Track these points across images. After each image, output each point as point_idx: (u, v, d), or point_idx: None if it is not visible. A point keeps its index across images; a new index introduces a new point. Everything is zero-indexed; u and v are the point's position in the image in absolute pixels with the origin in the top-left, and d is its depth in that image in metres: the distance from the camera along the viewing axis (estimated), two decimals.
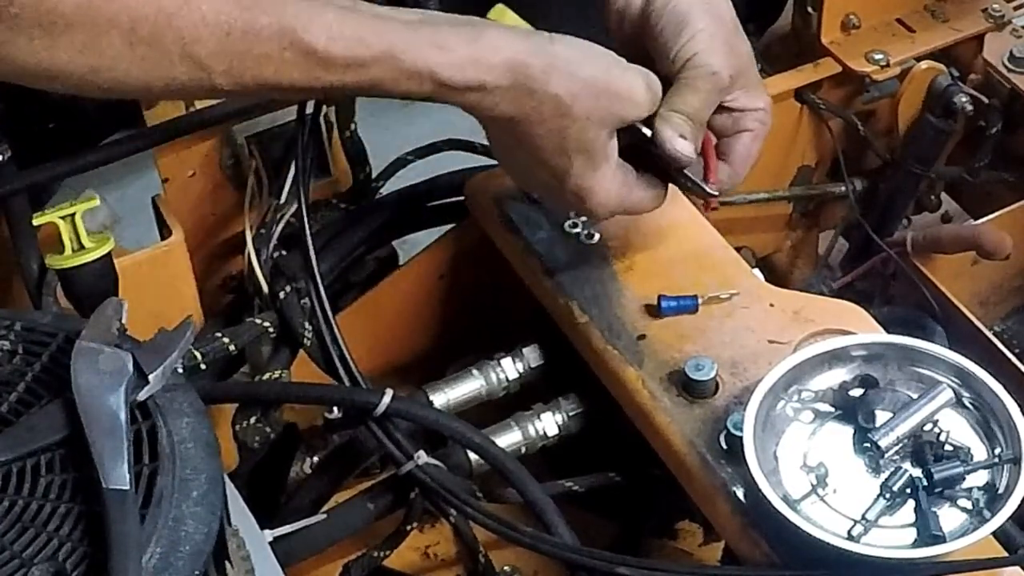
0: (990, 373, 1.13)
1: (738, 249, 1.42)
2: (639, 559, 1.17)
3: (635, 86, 1.15)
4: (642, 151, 1.18)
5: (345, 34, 1.05)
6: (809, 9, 1.69)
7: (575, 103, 1.11)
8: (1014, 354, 1.63)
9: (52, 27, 0.97)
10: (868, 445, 1.12)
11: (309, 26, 1.04)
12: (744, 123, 1.24)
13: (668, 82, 1.19)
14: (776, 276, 1.82)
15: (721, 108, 1.22)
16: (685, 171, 1.20)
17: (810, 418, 1.15)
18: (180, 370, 0.98)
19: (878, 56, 1.66)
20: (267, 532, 1.16)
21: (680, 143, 1.17)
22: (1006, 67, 1.76)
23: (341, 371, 1.30)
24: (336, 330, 1.31)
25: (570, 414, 1.34)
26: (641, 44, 1.22)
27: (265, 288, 1.39)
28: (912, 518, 1.09)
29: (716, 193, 1.22)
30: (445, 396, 1.34)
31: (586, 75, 1.12)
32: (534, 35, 1.13)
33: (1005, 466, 1.10)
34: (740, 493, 1.14)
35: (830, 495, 1.10)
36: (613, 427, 1.29)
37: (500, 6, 1.20)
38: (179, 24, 1.00)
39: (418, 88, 1.08)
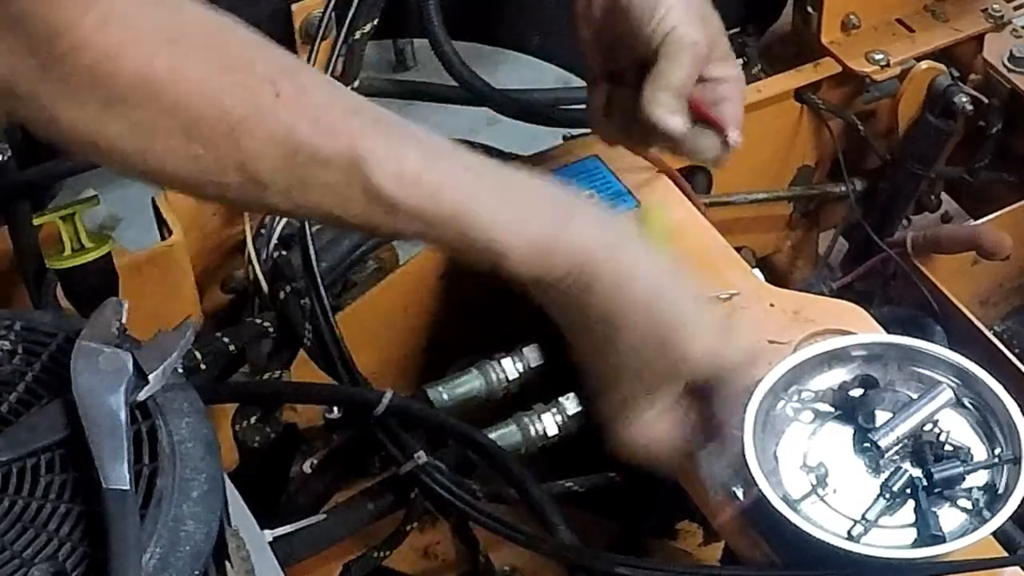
0: (990, 373, 1.13)
1: (738, 249, 1.42)
2: (639, 559, 1.17)
3: (704, 349, 1.05)
4: None
5: (419, 184, 0.97)
6: (809, 9, 1.69)
7: (627, 334, 1.04)
8: (1014, 354, 1.63)
9: (107, 97, 0.89)
10: (868, 445, 1.12)
11: (383, 164, 0.96)
12: (723, 91, 1.23)
13: (643, 61, 1.20)
14: (776, 276, 1.82)
15: (699, 79, 1.22)
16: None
17: (810, 418, 1.15)
18: (180, 370, 0.98)
19: (878, 56, 1.66)
20: (267, 532, 1.16)
21: (673, 120, 1.18)
22: (1006, 67, 1.76)
23: (341, 371, 1.30)
24: (336, 330, 1.31)
25: (570, 414, 1.34)
26: (611, 27, 1.21)
27: (265, 288, 1.39)
28: (912, 518, 1.09)
29: (735, 141, 1.23)
30: (445, 396, 1.34)
31: (653, 317, 1.04)
32: (622, 231, 1.05)
33: (1005, 466, 1.10)
34: (740, 493, 1.14)
35: (830, 495, 1.10)
36: None
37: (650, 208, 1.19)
38: (242, 135, 0.92)
39: (484, 262, 1.01)
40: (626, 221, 1.08)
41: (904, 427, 1.12)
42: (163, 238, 1.43)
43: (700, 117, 1.22)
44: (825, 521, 1.08)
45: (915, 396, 1.14)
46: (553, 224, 1.01)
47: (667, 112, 1.17)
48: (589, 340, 1.08)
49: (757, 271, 1.34)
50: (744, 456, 1.08)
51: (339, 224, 1.02)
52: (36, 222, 1.30)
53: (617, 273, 1.02)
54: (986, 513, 1.08)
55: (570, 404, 1.34)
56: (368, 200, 0.96)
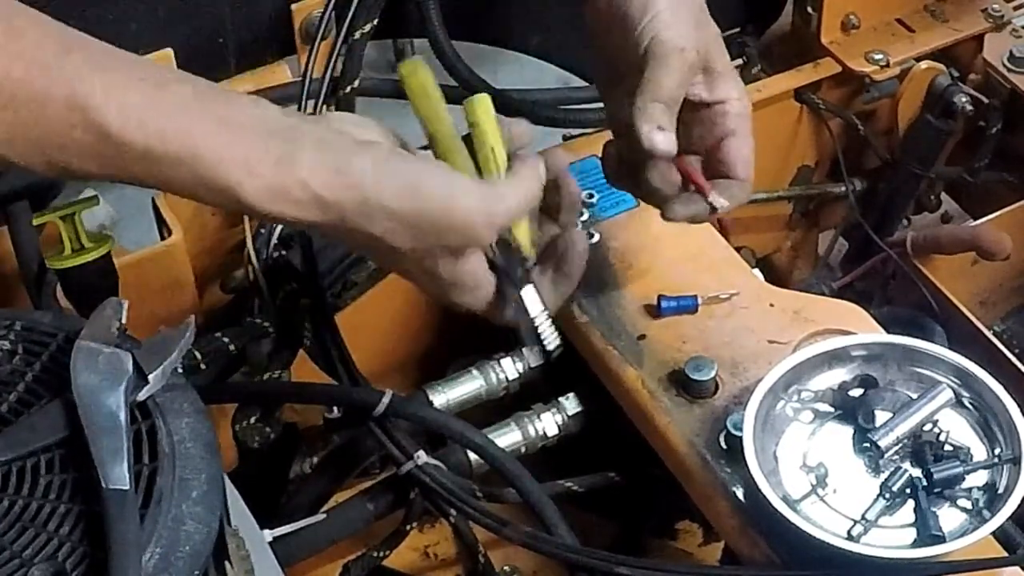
0: (990, 373, 1.13)
1: (738, 249, 1.42)
2: (639, 559, 1.17)
3: (468, 215, 1.00)
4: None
5: (144, 122, 0.93)
6: (809, 9, 1.69)
7: (397, 240, 0.99)
8: (1014, 354, 1.63)
9: None
10: (868, 445, 1.12)
11: (105, 103, 0.92)
12: (725, 125, 1.16)
13: (635, 69, 1.14)
14: (776, 276, 1.82)
15: (694, 109, 1.15)
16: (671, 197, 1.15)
17: (810, 418, 1.15)
18: (180, 370, 0.98)
19: (878, 56, 1.66)
20: (267, 532, 1.16)
21: (658, 137, 1.10)
22: (1006, 67, 1.76)
23: (341, 371, 1.30)
24: (336, 330, 1.31)
25: (570, 414, 1.34)
26: (609, 36, 1.16)
27: (265, 288, 1.39)
28: (912, 518, 1.09)
29: (720, 207, 1.16)
30: (445, 396, 1.34)
31: (406, 211, 0.98)
32: (350, 160, 0.98)
33: (1005, 466, 1.10)
34: (740, 493, 1.14)
35: (830, 495, 1.10)
36: (613, 427, 1.29)
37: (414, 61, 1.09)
38: None
39: (224, 203, 0.96)
40: (348, 140, 0.99)
41: (904, 427, 1.12)
42: (163, 238, 1.43)
43: (685, 178, 1.15)
44: (825, 521, 1.08)
45: (915, 396, 1.14)
46: (280, 161, 0.96)
47: (652, 127, 1.10)
48: (376, 256, 1.05)
49: (757, 271, 1.34)
50: (744, 453, 1.08)
51: (89, 176, 0.96)
52: (36, 222, 1.30)
53: (365, 204, 0.98)
54: (986, 513, 1.08)
55: (570, 404, 1.35)
56: (97, 141, 0.92)
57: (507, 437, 1.33)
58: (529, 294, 1.09)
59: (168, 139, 0.93)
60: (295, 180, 0.96)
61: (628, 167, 1.17)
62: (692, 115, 1.16)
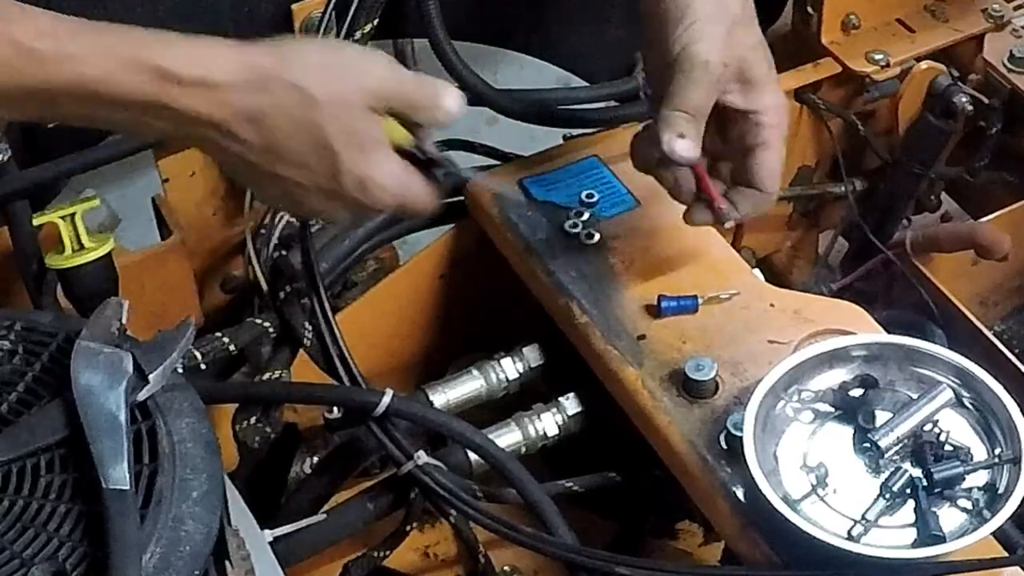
0: (990, 373, 1.13)
1: (738, 249, 1.42)
2: (639, 559, 1.17)
3: (377, 60, 1.07)
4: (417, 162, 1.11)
5: (58, 30, 0.98)
6: (809, 9, 1.69)
7: (319, 88, 1.02)
8: (1014, 354, 1.63)
9: None
10: (868, 445, 1.12)
11: (19, 20, 0.97)
12: (757, 135, 1.18)
13: (668, 73, 1.16)
14: (776, 276, 1.82)
15: (729, 115, 1.17)
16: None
17: (810, 418, 1.15)
18: (180, 370, 0.98)
19: (878, 56, 1.66)
20: (267, 532, 1.16)
21: (679, 144, 1.14)
22: (1006, 67, 1.76)
23: (341, 371, 1.30)
24: (336, 330, 1.31)
25: (570, 414, 1.34)
26: (652, 30, 1.18)
27: (265, 288, 1.39)
28: (912, 518, 1.09)
29: (728, 217, 1.19)
30: (445, 396, 1.34)
31: (323, 59, 1.04)
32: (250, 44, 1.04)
33: (1005, 466, 1.10)
34: (740, 493, 1.14)
35: (830, 495, 1.10)
36: (613, 427, 1.29)
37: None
38: None
39: (139, 86, 0.98)
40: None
41: (904, 427, 1.12)
42: (163, 238, 1.43)
43: (697, 184, 1.18)
44: (825, 521, 1.08)
45: (915, 396, 1.14)
46: (192, 40, 1.02)
47: (673, 135, 1.13)
48: (292, 128, 1.04)
49: (757, 271, 1.34)
50: (744, 453, 1.09)
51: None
52: (36, 222, 1.30)
53: (283, 56, 1.02)
54: (986, 513, 1.08)
55: (570, 404, 1.35)
56: (14, 53, 0.96)
57: (507, 437, 1.33)
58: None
59: (81, 37, 0.98)
60: (211, 45, 1.01)
61: (653, 159, 1.20)
62: (727, 121, 1.18)
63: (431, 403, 1.33)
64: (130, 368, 0.93)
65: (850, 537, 1.07)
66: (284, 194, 1.08)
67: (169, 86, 1.00)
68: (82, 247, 1.28)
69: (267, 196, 1.14)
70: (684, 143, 1.14)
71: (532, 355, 1.37)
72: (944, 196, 1.88)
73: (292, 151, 1.04)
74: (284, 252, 1.41)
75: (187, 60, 1.00)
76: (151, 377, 0.94)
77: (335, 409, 1.31)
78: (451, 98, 1.09)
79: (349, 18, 1.39)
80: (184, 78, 1.00)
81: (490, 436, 1.29)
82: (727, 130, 1.19)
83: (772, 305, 1.27)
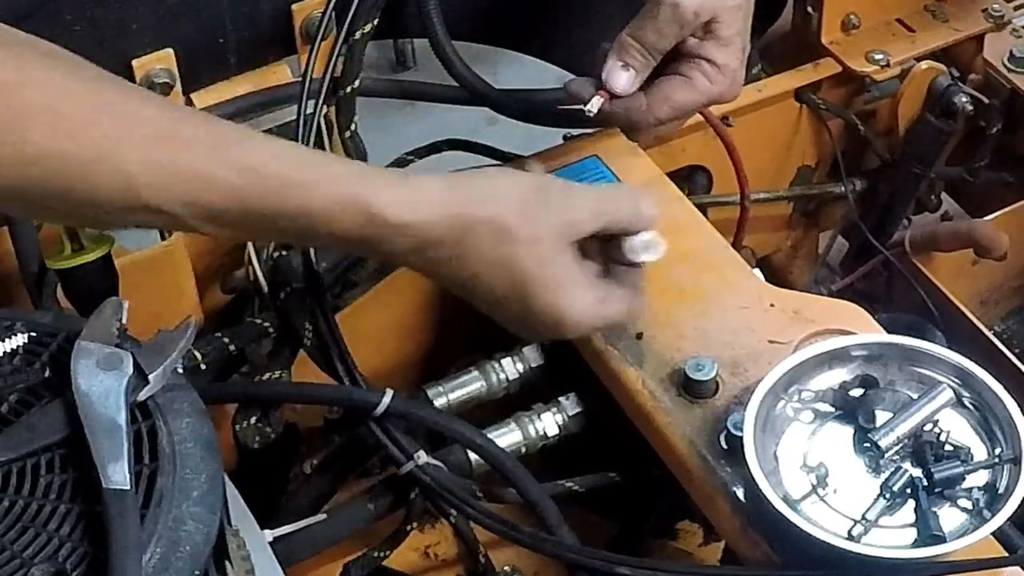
0: (990, 373, 1.13)
1: (738, 249, 1.42)
2: (639, 559, 1.17)
3: (582, 196, 1.08)
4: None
5: (281, 154, 1.00)
6: (809, 9, 1.69)
7: (515, 225, 1.04)
8: (1014, 354, 1.63)
9: None
10: (868, 445, 1.12)
11: (243, 142, 0.99)
12: (685, 68, 1.19)
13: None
14: (776, 276, 1.82)
15: (681, 52, 1.18)
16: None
17: (810, 418, 1.15)
18: (180, 370, 0.98)
19: (878, 56, 1.67)
20: (267, 532, 1.16)
21: (617, 73, 1.15)
22: (1006, 67, 1.76)
23: (341, 371, 1.30)
24: (336, 330, 1.31)
25: (570, 414, 1.34)
26: None
27: (265, 288, 1.39)
28: (912, 518, 1.09)
29: (591, 108, 1.20)
30: (445, 396, 1.34)
31: (520, 193, 1.06)
32: (456, 174, 1.07)
33: (1005, 466, 1.10)
34: (740, 493, 1.14)
35: (830, 495, 1.10)
36: (613, 427, 1.29)
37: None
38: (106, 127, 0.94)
39: (351, 222, 1.01)
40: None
41: (904, 427, 1.12)
42: (163, 238, 1.43)
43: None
44: (825, 521, 1.08)
45: (915, 396, 1.14)
46: (400, 178, 1.04)
47: (616, 63, 1.15)
48: (487, 264, 1.07)
49: (757, 271, 1.34)
50: (744, 453, 1.09)
51: (214, 223, 1.00)
52: (36, 222, 1.30)
53: (481, 192, 1.05)
54: (986, 513, 1.08)
55: (570, 404, 1.35)
56: (238, 175, 0.97)
57: (507, 437, 1.33)
58: None
59: (304, 165, 1.00)
60: (417, 187, 1.03)
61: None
62: (680, 53, 1.19)
63: (431, 403, 1.33)
64: (130, 368, 0.93)
65: (850, 537, 1.07)
66: (498, 317, 1.12)
67: (377, 228, 1.02)
68: (82, 247, 1.28)
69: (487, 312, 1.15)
70: (623, 76, 1.16)
71: (532, 355, 1.37)
72: (944, 196, 1.88)
73: (486, 286, 1.07)
74: (284, 252, 1.41)
75: (397, 205, 1.01)
76: (151, 377, 0.94)
77: (335, 409, 1.31)
78: (648, 204, 1.11)
79: (349, 18, 1.39)
80: (389, 222, 1.02)
81: (490, 436, 1.29)
82: (675, 54, 1.20)
83: (772, 305, 1.27)
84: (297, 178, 0.99)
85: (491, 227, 1.04)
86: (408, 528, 1.35)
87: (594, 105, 1.19)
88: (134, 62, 1.36)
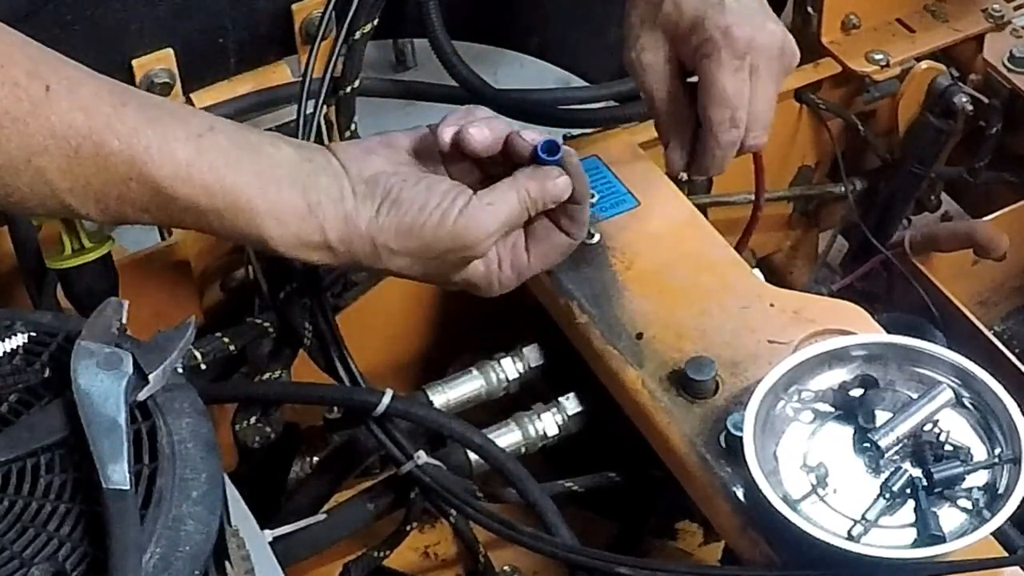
0: (990, 373, 1.13)
1: (739, 250, 1.42)
2: (639, 559, 1.17)
3: (469, 238, 1.12)
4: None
5: (192, 177, 1.03)
6: (809, 9, 1.69)
7: (407, 272, 1.13)
8: (1014, 354, 1.63)
9: None
10: (868, 445, 1.12)
11: (160, 159, 1.01)
12: (704, 48, 1.20)
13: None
14: (776, 276, 1.82)
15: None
16: None
17: (810, 418, 1.15)
18: (180, 370, 0.98)
19: (878, 56, 1.66)
20: (267, 532, 1.16)
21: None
22: (1006, 67, 1.76)
23: (341, 371, 1.30)
24: (336, 330, 1.31)
25: (570, 414, 1.34)
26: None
27: (265, 288, 1.39)
28: (912, 518, 1.09)
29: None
30: (445, 396, 1.34)
31: (411, 248, 1.12)
32: (357, 209, 1.10)
33: (1005, 466, 1.10)
34: (740, 493, 1.14)
35: (830, 495, 1.10)
36: (613, 427, 1.29)
37: None
38: (22, 133, 0.96)
39: (253, 246, 1.09)
40: (354, 184, 1.11)
41: (904, 427, 1.12)
42: (163, 238, 1.43)
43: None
44: (825, 521, 1.08)
45: (915, 396, 1.14)
46: (304, 216, 1.09)
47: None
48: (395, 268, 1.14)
49: (757, 271, 1.34)
50: (744, 453, 1.09)
51: (139, 223, 1.06)
52: (36, 222, 1.30)
53: (367, 246, 1.11)
54: (986, 513, 1.08)
55: (570, 404, 1.35)
56: (150, 194, 1.02)
57: (507, 437, 1.33)
58: None
59: (213, 194, 1.04)
60: (315, 230, 1.09)
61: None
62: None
63: (431, 403, 1.33)
64: (130, 368, 0.93)
65: (850, 537, 1.07)
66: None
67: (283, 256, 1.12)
68: (82, 247, 1.27)
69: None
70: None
71: (532, 355, 1.37)
72: (944, 196, 1.88)
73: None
74: None
75: (295, 248, 1.11)
76: (151, 377, 0.94)
77: (335, 409, 1.31)
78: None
79: (349, 18, 1.39)
80: (295, 258, 1.12)
81: (490, 436, 1.29)
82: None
83: (772, 305, 1.27)
84: (206, 205, 1.04)
85: (391, 269, 1.13)
86: (408, 528, 1.35)
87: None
88: (134, 62, 1.36)
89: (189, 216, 1.05)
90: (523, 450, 1.33)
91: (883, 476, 1.11)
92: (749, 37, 1.19)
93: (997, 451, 1.11)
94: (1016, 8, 1.78)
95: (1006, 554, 1.12)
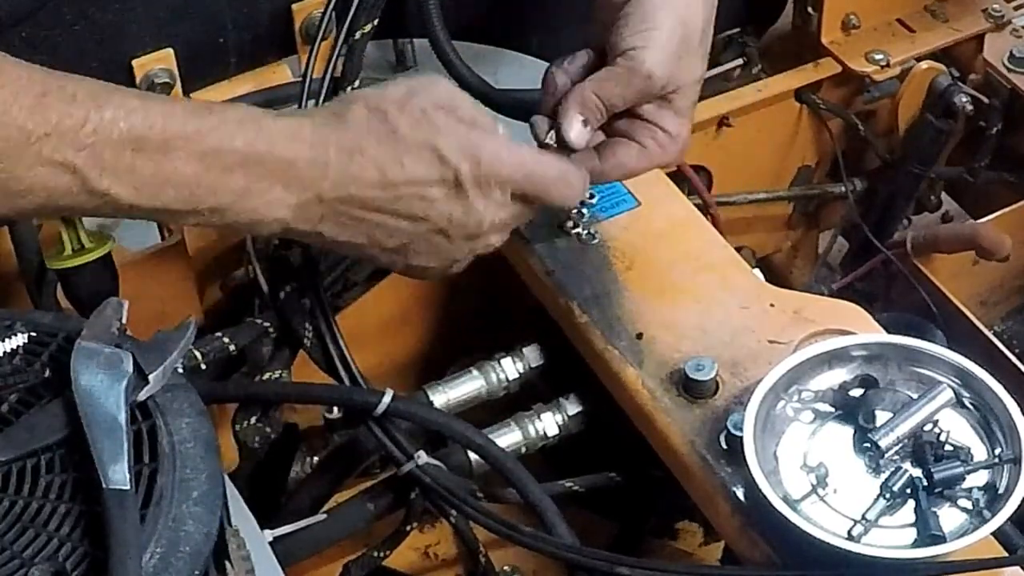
0: (990, 373, 1.13)
1: (738, 249, 1.42)
2: (639, 559, 1.17)
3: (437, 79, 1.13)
4: None
5: (175, 111, 1.02)
6: (809, 9, 1.69)
7: (389, 104, 1.10)
8: (1014, 354, 1.63)
9: None
10: (868, 445, 1.12)
11: (123, 89, 1.01)
12: (640, 135, 1.20)
13: (606, 52, 1.18)
14: (776, 276, 1.82)
15: (635, 113, 1.19)
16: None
17: (810, 418, 1.15)
18: (180, 370, 0.98)
19: (878, 56, 1.67)
20: (267, 532, 1.16)
21: (576, 130, 1.16)
22: (1006, 67, 1.76)
23: (341, 371, 1.30)
24: (336, 330, 1.31)
25: (570, 414, 1.34)
26: (607, 29, 1.19)
27: (265, 288, 1.39)
28: (912, 518, 1.09)
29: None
30: (445, 396, 1.34)
31: (380, 90, 1.11)
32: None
33: (1005, 466, 1.10)
34: (740, 493, 1.14)
35: (830, 495, 1.10)
36: (613, 427, 1.29)
37: None
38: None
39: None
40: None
41: (904, 427, 1.11)
42: (163, 238, 1.43)
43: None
44: (825, 521, 1.08)
45: (915, 396, 1.14)
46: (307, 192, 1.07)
47: (577, 118, 1.16)
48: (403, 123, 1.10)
49: (757, 271, 1.34)
50: (744, 453, 1.09)
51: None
52: (36, 222, 1.30)
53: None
54: (986, 513, 1.08)
55: (570, 404, 1.35)
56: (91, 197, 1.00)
57: (507, 437, 1.33)
58: None
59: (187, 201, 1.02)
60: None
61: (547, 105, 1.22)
62: (633, 114, 1.20)
63: (431, 403, 1.33)
64: (130, 368, 0.93)
65: (850, 537, 1.07)
66: (421, 236, 1.13)
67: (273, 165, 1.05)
68: (82, 247, 1.28)
69: (418, 256, 1.16)
70: (580, 131, 1.17)
71: (532, 355, 1.37)
72: (944, 196, 1.88)
73: (392, 162, 1.08)
74: (284, 252, 1.41)
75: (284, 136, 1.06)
76: (151, 377, 0.94)
77: (335, 409, 1.31)
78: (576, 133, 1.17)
79: (349, 18, 1.39)
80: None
81: (490, 436, 1.29)
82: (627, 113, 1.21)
83: (772, 305, 1.27)
84: (185, 130, 1.01)
85: (371, 110, 1.08)
86: (408, 528, 1.35)
87: (551, 138, 1.20)
88: (134, 62, 1.36)
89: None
90: (523, 450, 1.33)
91: (883, 476, 1.11)
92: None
93: (997, 451, 1.11)
94: (1016, 8, 1.78)
95: (1006, 554, 1.12)
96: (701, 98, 1.24)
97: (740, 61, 1.72)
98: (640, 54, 1.16)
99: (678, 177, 1.53)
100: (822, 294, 1.71)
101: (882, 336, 1.21)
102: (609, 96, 1.16)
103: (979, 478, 1.10)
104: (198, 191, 1.03)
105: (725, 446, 1.16)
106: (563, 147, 1.18)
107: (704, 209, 1.56)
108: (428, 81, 1.13)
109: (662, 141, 1.20)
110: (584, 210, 1.35)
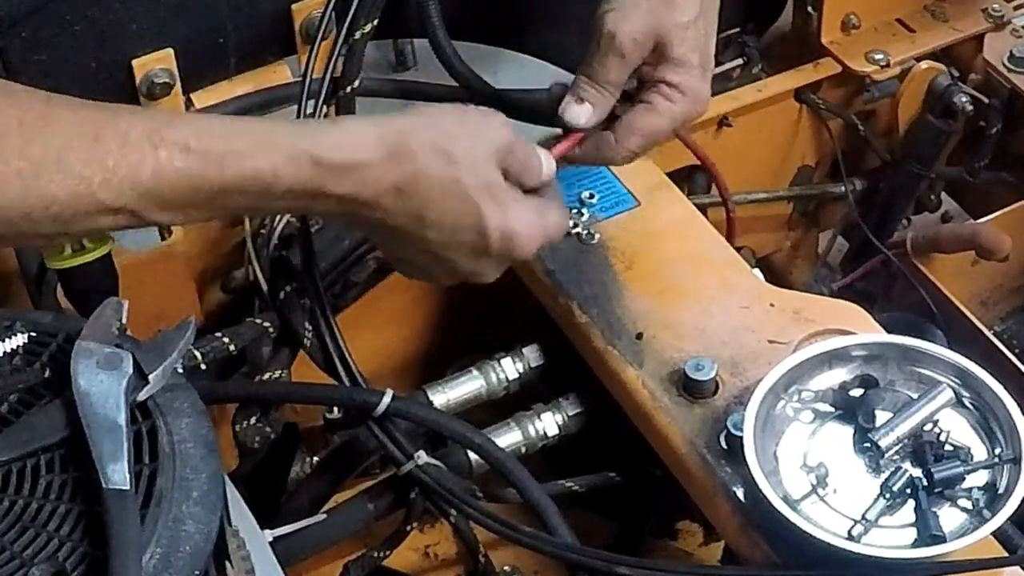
0: (990, 373, 1.13)
1: (738, 249, 1.42)
2: (639, 559, 1.17)
3: (496, 116, 1.10)
4: None
5: (215, 130, 0.99)
6: (809, 9, 1.69)
7: (454, 145, 1.05)
8: (1014, 354, 1.63)
9: None
10: (868, 445, 1.12)
11: (174, 123, 0.98)
12: (645, 95, 1.20)
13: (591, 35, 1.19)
14: (776, 276, 1.83)
15: (643, 78, 1.20)
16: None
17: (810, 418, 1.15)
18: (180, 370, 0.98)
19: (878, 56, 1.67)
20: (267, 532, 1.16)
21: (572, 108, 1.17)
22: (1006, 67, 1.76)
23: (341, 371, 1.30)
24: (336, 330, 1.31)
25: (570, 414, 1.34)
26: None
27: (265, 288, 1.39)
28: (912, 518, 1.09)
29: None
30: (445, 396, 1.34)
31: (449, 119, 1.08)
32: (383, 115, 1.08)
33: (1005, 466, 1.10)
34: (740, 493, 1.14)
35: (830, 495, 1.10)
36: (613, 427, 1.29)
37: None
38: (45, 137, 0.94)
39: (300, 176, 1.01)
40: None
41: (904, 427, 1.12)
42: (163, 238, 1.43)
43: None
44: (825, 521, 1.08)
45: (915, 396, 1.14)
46: (329, 125, 1.06)
47: (571, 99, 1.17)
48: (437, 187, 1.07)
49: (757, 271, 1.34)
50: (744, 453, 1.09)
51: (172, 207, 1.00)
52: None
53: (414, 123, 1.06)
54: (986, 513, 1.08)
55: (570, 404, 1.35)
56: (181, 155, 0.97)
57: (507, 437, 1.33)
58: None
59: (241, 133, 1.00)
60: (350, 129, 1.04)
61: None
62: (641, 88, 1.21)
63: (431, 403, 1.33)
64: (130, 368, 0.93)
65: (850, 537, 1.07)
66: (435, 261, 1.10)
67: (324, 173, 1.01)
68: (82, 247, 1.28)
69: (417, 267, 1.14)
70: (577, 108, 1.18)
71: (532, 355, 1.37)
72: (944, 196, 1.88)
73: (439, 212, 1.06)
74: (284, 252, 1.41)
75: (334, 146, 1.02)
76: (151, 377, 0.94)
77: (335, 409, 1.31)
78: (547, 162, 1.14)
79: (349, 18, 1.39)
80: (335, 164, 1.02)
81: (490, 436, 1.29)
82: (639, 83, 1.21)
83: (772, 305, 1.27)
84: (237, 147, 0.99)
85: (433, 150, 1.04)
86: (408, 528, 1.35)
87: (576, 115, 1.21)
88: (134, 62, 1.36)
89: (229, 169, 1.00)
90: (523, 450, 1.33)
91: (883, 476, 1.11)
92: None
93: (997, 451, 1.11)
94: (1016, 8, 1.78)
95: (1006, 554, 1.12)
96: None
97: (740, 61, 1.72)
98: (602, 17, 1.17)
99: (677, 177, 1.53)
100: (822, 294, 1.71)
101: (882, 336, 1.21)
102: (591, 71, 1.17)
103: (979, 478, 1.10)
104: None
105: (725, 446, 1.16)
106: (572, 129, 1.19)
107: (722, 207, 1.57)
108: (484, 120, 1.11)
109: (668, 94, 1.19)
110: (584, 210, 1.35)
